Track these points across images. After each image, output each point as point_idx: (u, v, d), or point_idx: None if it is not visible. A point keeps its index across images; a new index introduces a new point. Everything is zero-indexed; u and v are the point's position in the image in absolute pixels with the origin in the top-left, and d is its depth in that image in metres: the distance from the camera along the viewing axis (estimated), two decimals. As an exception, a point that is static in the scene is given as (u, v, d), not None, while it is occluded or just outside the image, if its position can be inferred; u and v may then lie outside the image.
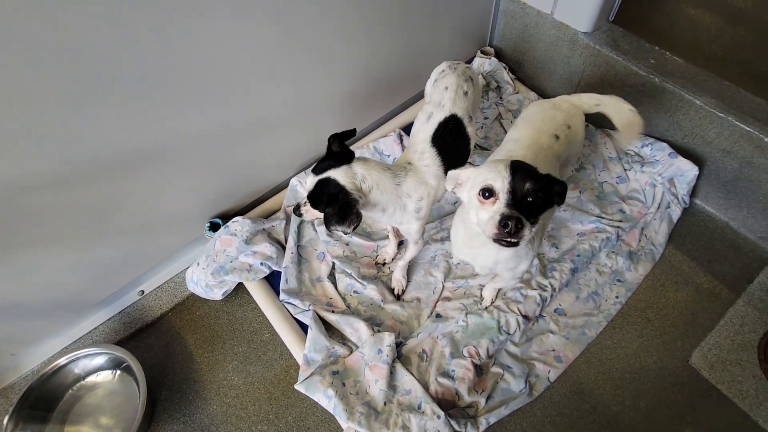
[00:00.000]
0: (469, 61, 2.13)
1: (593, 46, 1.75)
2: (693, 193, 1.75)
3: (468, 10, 1.92)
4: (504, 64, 2.09)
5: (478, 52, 2.11)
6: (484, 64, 2.07)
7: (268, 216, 1.78)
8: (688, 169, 1.67)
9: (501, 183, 0.91)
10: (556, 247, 1.67)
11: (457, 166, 1.13)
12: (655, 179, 1.73)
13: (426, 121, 1.36)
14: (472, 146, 1.42)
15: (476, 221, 0.95)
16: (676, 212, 1.71)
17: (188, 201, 1.57)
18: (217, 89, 1.32)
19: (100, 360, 1.52)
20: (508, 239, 0.88)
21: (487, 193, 0.92)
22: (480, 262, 1.19)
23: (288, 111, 1.58)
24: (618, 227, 1.67)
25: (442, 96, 1.38)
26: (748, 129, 1.48)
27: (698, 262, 1.66)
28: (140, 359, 1.45)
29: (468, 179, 1.02)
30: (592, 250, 1.63)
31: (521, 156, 1.18)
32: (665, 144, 1.72)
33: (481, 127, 1.99)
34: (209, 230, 1.65)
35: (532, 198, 0.90)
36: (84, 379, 1.53)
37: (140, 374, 1.41)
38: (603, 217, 1.69)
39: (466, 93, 1.39)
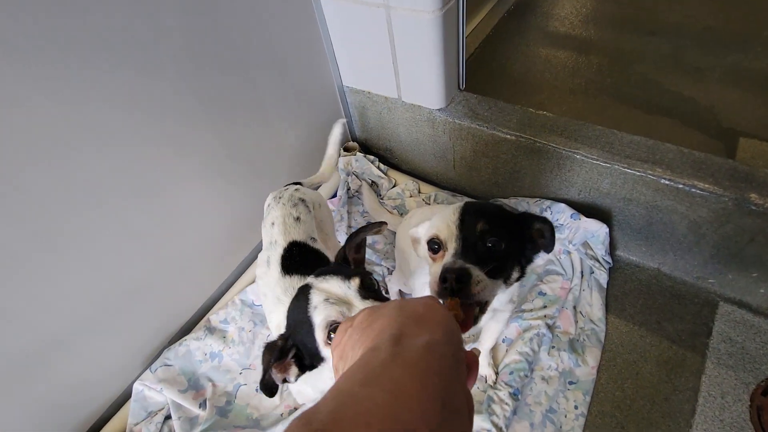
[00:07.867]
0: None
1: (452, 120, 1.56)
2: (612, 245, 1.53)
3: (317, 117, 1.70)
4: (372, 157, 1.86)
5: (341, 150, 1.87)
6: (350, 162, 1.83)
7: (112, 444, 1.30)
8: (596, 229, 1.44)
9: (447, 230, 0.75)
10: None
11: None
12: (568, 247, 1.50)
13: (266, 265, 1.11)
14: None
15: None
16: (602, 276, 1.47)
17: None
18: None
19: None
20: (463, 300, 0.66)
21: (435, 245, 0.77)
22: None
23: (113, 304, 1.20)
24: (545, 316, 1.38)
25: (271, 233, 1.15)
26: (639, 173, 1.30)
27: (647, 327, 1.40)
28: None
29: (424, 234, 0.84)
30: (526, 359, 1.32)
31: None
32: (563, 205, 1.51)
33: (367, 233, 1.70)
34: (18, 507, 1.14)
35: (491, 243, 0.73)
36: None
37: None
38: (524, 311, 1.40)
39: (297, 219, 1.17)
